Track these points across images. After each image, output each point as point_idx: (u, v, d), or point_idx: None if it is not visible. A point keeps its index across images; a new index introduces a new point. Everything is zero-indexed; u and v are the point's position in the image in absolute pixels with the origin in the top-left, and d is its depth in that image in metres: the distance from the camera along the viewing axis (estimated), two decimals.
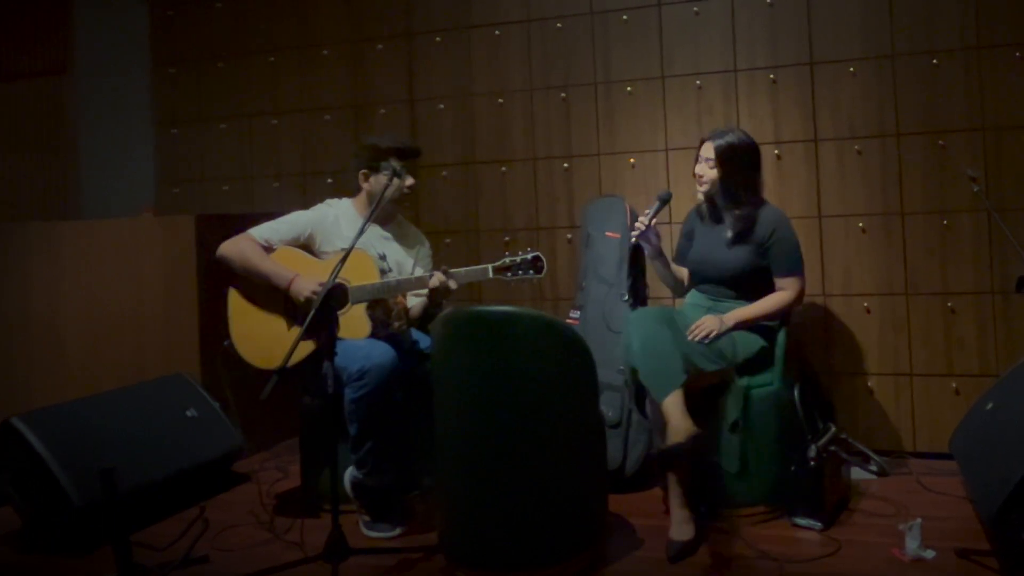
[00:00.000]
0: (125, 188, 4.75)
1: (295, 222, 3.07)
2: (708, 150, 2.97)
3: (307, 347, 2.83)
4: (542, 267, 2.92)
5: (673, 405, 2.56)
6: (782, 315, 3.00)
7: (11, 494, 2.92)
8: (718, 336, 2.83)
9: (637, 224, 3.00)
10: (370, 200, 3.10)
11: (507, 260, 2.92)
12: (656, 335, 2.68)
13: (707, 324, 2.84)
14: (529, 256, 2.92)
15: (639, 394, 2.88)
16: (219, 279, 3.09)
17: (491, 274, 2.91)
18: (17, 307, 4.03)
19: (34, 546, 2.91)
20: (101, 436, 3.01)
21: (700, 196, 3.05)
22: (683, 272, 3.22)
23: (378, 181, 3.07)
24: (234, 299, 3.02)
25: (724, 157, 2.94)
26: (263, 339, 2.95)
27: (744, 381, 2.87)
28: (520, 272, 2.91)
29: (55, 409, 3.09)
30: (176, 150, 4.67)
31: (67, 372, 3.92)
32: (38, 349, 3.99)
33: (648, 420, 2.90)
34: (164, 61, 4.70)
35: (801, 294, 3.00)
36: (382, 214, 3.09)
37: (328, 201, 3.18)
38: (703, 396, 2.80)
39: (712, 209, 3.08)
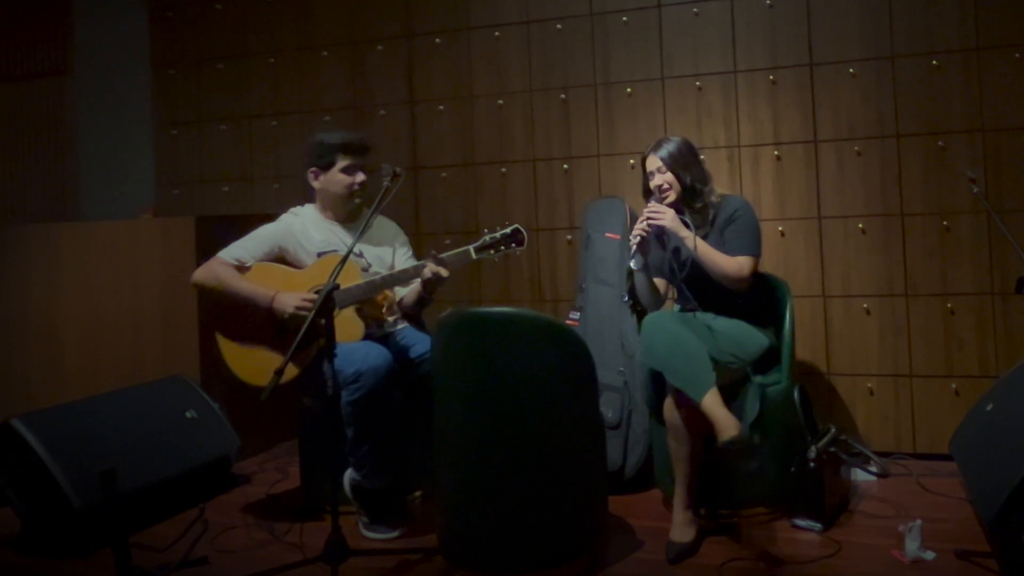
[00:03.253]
0: (125, 189, 4.76)
1: (263, 237, 3.03)
2: (654, 162, 2.96)
3: (303, 360, 2.83)
4: (523, 239, 2.85)
5: (714, 403, 2.52)
6: (724, 279, 2.87)
7: (10, 496, 2.91)
8: (656, 222, 2.81)
9: (635, 232, 2.86)
10: (328, 200, 3.06)
11: (487, 238, 2.85)
12: (681, 336, 2.64)
13: (669, 215, 2.82)
14: (508, 230, 2.85)
15: (656, 397, 2.83)
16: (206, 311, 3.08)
17: (474, 255, 2.85)
18: (16, 308, 4.03)
19: (33, 548, 2.91)
20: (101, 438, 3.00)
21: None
22: (661, 284, 3.13)
23: (329, 180, 3.02)
24: (222, 341, 2.98)
25: (670, 160, 2.93)
26: (259, 361, 2.91)
27: (760, 379, 2.87)
28: (503, 248, 2.85)
29: (54, 410, 3.09)
30: (176, 151, 4.67)
31: (66, 374, 3.92)
32: (37, 351, 3.99)
33: (663, 425, 2.81)
34: (164, 62, 4.70)
35: (749, 277, 2.87)
36: (344, 213, 3.06)
37: (293, 209, 3.13)
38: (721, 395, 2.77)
39: (678, 212, 3.02)
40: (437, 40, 4.18)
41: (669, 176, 2.94)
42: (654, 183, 2.97)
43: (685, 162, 2.94)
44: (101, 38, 4.88)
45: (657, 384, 2.74)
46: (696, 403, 2.55)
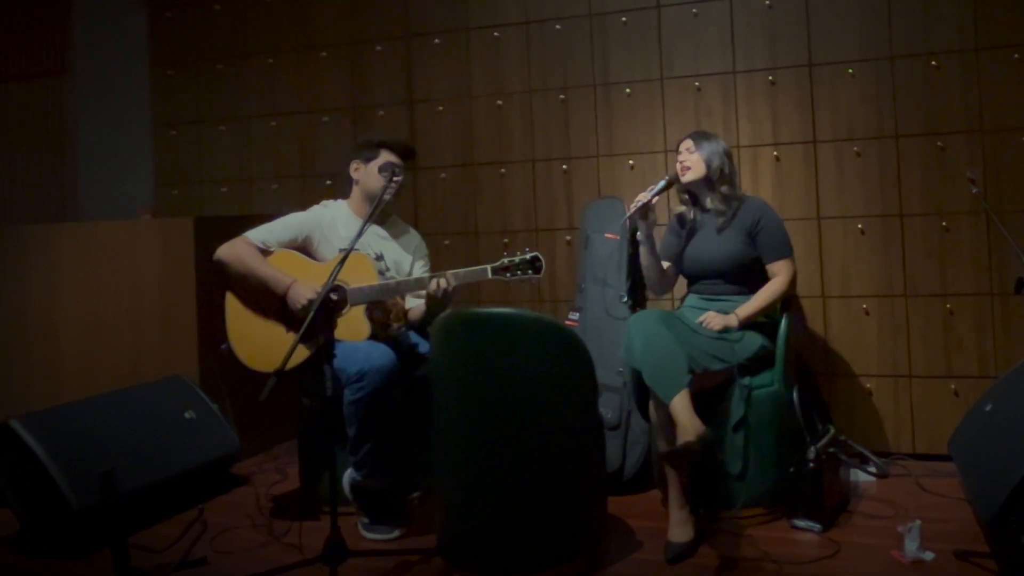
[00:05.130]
0: (124, 190, 4.76)
1: (291, 224, 3.06)
2: (685, 143, 3.09)
3: (305, 351, 2.83)
4: (540, 267, 2.91)
5: (681, 406, 2.56)
6: (781, 302, 3.01)
7: (9, 496, 2.91)
8: (727, 329, 2.85)
9: (639, 197, 2.94)
10: (363, 196, 3.12)
11: (505, 260, 2.91)
12: (659, 336, 2.67)
13: (714, 318, 2.86)
14: (528, 256, 2.91)
15: (640, 396, 2.87)
16: (217, 282, 3.08)
17: (490, 274, 2.90)
18: (15, 309, 4.03)
19: (32, 549, 2.90)
20: (99, 438, 3.00)
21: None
22: (667, 267, 3.18)
23: (368, 172, 3.09)
24: (232, 303, 3.00)
25: (701, 141, 3.06)
26: (261, 342, 2.93)
27: (747, 381, 2.87)
28: (519, 272, 2.90)
29: (53, 411, 3.08)
30: (175, 152, 4.67)
31: (65, 374, 3.91)
32: (36, 351, 3.98)
33: (649, 423, 2.89)
34: (163, 63, 4.70)
35: (794, 277, 3.01)
36: (379, 213, 3.08)
37: (324, 202, 3.18)
38: (706, 396, 2.80)
39: (694, 203, 3.12)
40: (436, 40, 4.18)
41: (696, 156, 3.03)
42: (681, 157, 3.07)
43: (713, 147, 3.05)
44: (100, 38, 4.88)
45: (641, 382, 2.75)
46: (665, 404, 2.59)
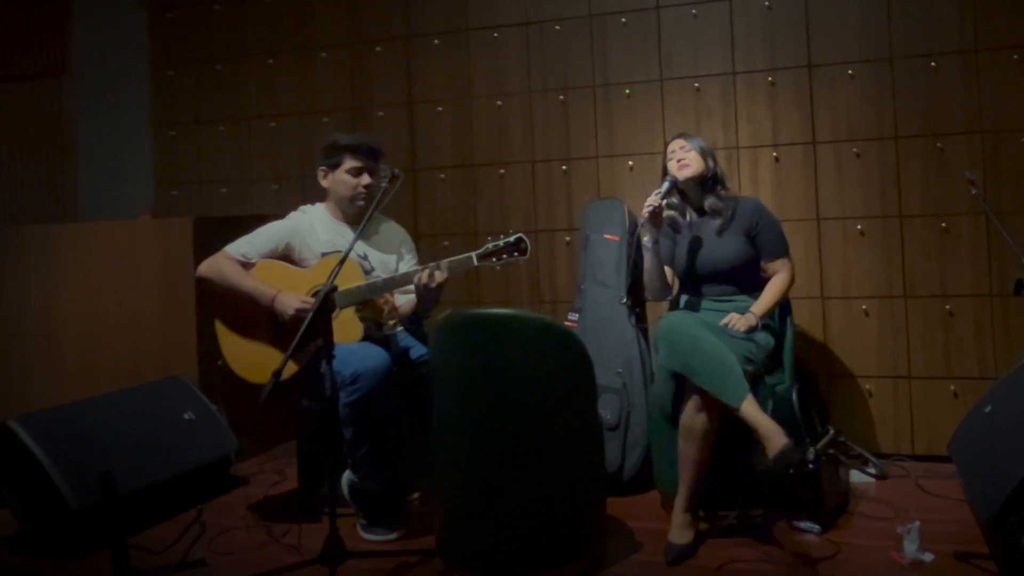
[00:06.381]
0: (123, 190, 4.76)
1: (270, 234, 3.03)
2: (679, 143, 3.06)
3: (301, 359, 2.82)
4: (526, 248, 2.84)
5: (755, 410, 2.52)
6: (785, 298, 3.03)
7: (8, 497, 2.91)
8: (752, 329, 2.83)
9: (649, 201, 2.88)
10: (336, 200, 3.09)
11: (490, 246, 2.85)
12: (706, 340, 2.63)
13: (738, 319, 2.83)
14: (512, 238, 2.84)
15: (677, 401, 2.76)
16: (206, 298, 3.07)
17: (476, 262, 2.84)
18: (14, 309, 4.03)
19: (32, 549, 2.90)
20: (98, 439, 3.00)
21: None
22: (668, 274, 3.16)
23: (336, 178, 3.06)
24: (220, 327, 2.99)
25: (692, 139, 3.06)
26: (255, 355, 2.91)
27: (768, 381, 2.87)
28: (504, 256, 2.84)
29: (52, 412, 3.08)
30: (174, 152, 4.67)
31: (64, 374, 3.91)
32: (35, 351, 3.98)
33: (673, 424, 2.78)
34: (162, 63, 4.69)
35: (793, 273, 3.02)
36: (352, 215, 3.06)
37: (301, 208, 3.15)
38: None
39: (685, 206, 3.09)
40: (436, 41, 4.18)
41: (693, 153, 3.02)
42: (676, 156, 3.03)
43: (709, 154, 3.06)
44: (100, 38, 4.88)
45: (678, 387, 2.73)
46: (735, 409, 2.54)
